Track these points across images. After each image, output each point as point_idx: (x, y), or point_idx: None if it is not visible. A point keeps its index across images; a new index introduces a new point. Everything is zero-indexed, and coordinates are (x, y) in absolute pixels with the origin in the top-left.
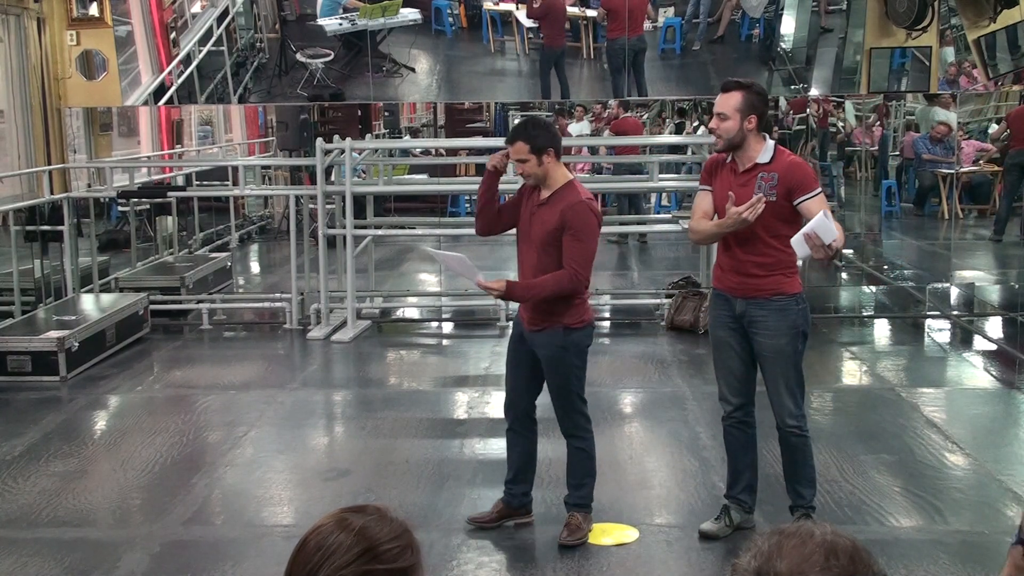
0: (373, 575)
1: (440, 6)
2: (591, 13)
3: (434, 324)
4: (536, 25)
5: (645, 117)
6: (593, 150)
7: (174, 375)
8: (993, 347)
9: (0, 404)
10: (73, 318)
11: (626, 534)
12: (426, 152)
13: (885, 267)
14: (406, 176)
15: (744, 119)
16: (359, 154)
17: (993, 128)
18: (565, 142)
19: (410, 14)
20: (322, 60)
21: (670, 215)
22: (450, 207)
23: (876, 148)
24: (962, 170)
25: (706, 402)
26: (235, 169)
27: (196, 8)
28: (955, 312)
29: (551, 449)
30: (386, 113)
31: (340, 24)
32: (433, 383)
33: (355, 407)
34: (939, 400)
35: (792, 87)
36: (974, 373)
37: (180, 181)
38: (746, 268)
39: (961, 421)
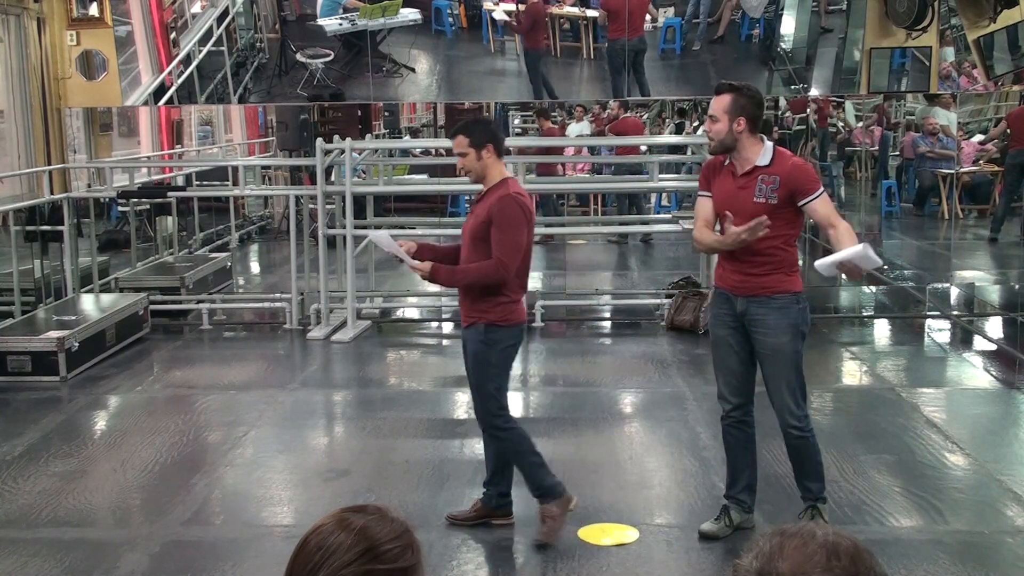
0: (374, 575)
1: (440, 6)
2: (591, 13)
3: (434, 324)
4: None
5: (645, 117)
6: (593, 150)
7: (174, 375)
8: (993, 347)
9: (0, 404)
10: (73, 318)
11: (626, 534)
12: (426, 152)
13: (885, 267)
14: (406, 176)
15: (733, 121)
16: (359, 154)
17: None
18: (564, 142)
19: (410, 14)
20: (322, 60)
21: (670, 215)
22: (450, 207)
23: (876, 148)
24: (962, 170)
25: (706, 402)
26: (235, 169)
27: (196, 8)
28: (955, 312)
29: (551, 449)
30: (386, 113)
31: (340, 24)
32: (433, 383)
33: (355, 407)
34: (939, 400)
35: (792, 87)
36: (974, 373)
37: (180, 181)
38: (748, 266)
39: (961, 421)
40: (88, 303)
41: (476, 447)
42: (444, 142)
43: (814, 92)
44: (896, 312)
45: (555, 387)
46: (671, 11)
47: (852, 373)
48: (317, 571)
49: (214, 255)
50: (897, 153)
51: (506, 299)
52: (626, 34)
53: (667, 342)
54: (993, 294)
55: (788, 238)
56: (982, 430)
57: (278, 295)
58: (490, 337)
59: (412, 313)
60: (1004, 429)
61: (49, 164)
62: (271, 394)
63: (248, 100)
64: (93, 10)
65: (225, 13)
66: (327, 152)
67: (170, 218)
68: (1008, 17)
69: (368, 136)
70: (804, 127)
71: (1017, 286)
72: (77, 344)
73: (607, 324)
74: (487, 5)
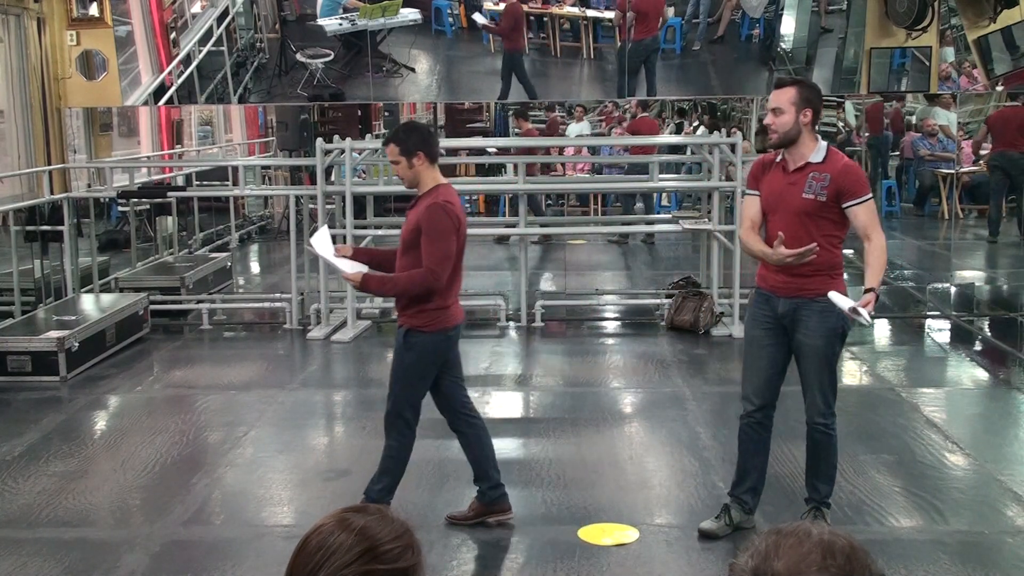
0: (374, 575)
1: (440, 6)
2: (591, 13)
3: None
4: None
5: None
6: (594, 150)
7: (174, 375)
8: (993, 347)
9: (0, 404)
10: (73, 318)
11: (626, 534)
12: None
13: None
14: None
15: (800, 112)
16: (359, 154)
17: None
18: (564, 142)
19: (410, 14)
20: (322, 60)
21: (670, 215)
22: None
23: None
24: (962, 170)
25: (706, 402)
26: (235, 169)
27: (196, 8)
28: (955, 312)
29: (551, 449)
30: (386, 113)
31: (340, 24)
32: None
33: (355, 407)
34: (939, 400)
35: None
36: (974, 373)
37: (180, 181)
38: (793, 267)
39: (961, 421)
40: (88, 303)
41: None
42: (444, 142)
43: None
44: (896, 312)
45: (555, 387)
46: (671, 11)
47: (852, 373)
48: (317, 571)
49: (214, 255)
50: (897, 153)
51: (433, 306)
52: (650, 35)
53: (667, 342)
54: (993, 294)
55: (834, 239)
56: (982, 430)
57: (278, 295)
58: (409, 341)
59: None
60: (1004, 429)
61: (49, 164)
62: (271, 394)
63: (248, 100)
64: (93, 10)
65: (225, 13)
66: (327, 152)
67: (170, 218)
68: (1008, 17)
69: (368, 136)
70: None
71: (1017, 286)
72: (77, 344)
73: (607, 324)
74: (487, 5)
